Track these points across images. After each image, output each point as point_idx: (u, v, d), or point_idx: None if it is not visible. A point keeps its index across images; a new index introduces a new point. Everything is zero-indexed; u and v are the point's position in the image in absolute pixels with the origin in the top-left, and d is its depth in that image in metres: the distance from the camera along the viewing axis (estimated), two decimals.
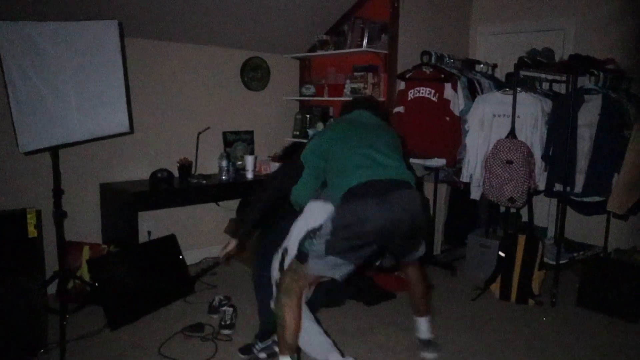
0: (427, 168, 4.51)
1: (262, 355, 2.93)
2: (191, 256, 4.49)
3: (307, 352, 2.73)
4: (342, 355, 2.65)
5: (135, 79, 4.09)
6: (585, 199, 3.89)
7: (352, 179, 2.38)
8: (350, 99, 3.27)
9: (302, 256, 2.42)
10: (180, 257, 3.97)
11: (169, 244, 3.98)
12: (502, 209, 4.44)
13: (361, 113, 2.84)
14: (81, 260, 3.61)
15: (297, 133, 5.23)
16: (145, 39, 4.18)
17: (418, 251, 2.66)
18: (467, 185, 4.32)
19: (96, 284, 3.37)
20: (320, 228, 2.42)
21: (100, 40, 2.94)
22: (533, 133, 4.01)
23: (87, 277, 3.52)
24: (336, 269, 2.37)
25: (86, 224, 4.02)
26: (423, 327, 2.92)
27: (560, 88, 4.60)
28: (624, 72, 4.16)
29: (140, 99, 4.18)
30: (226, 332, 3.24)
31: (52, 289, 3.39)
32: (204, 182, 4.26)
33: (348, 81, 4.71)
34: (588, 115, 3.81)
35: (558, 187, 3.91)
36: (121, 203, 3.90)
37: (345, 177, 2.42)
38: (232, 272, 4.45)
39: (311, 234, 2.48)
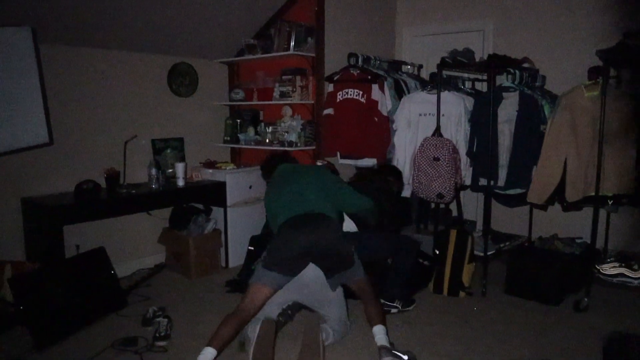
0: (358, 168, 4.58)
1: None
2: (124, 268, 4.37)
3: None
4: None
5: (55, 88, 3.93)
6: (508, 192, 4.07)
7: (281, 218, 3.13)
8: (271, 156, 3.84)
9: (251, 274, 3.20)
10: (111, 270, 3.84)
11: (98, 257, 3.83)
12: (432, 205, 4.57)
13: (283, 167, 3.52)
14: (2, 280, 3.43)
15: (228, 138, 5.19)
16: (64, 45, 4.03)
17: (350, 271, 3.07)
18: None
19: (20, 305, 3.21)
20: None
21: (12, 48, 2.83)
22: (457, 130, 4.16)
23: (9, 297, 3.35)
24: (273, 280, 2.96)
25: (7, 242, 3.83)
26: (378, 335, 2.99)
27: (482, 86, 4.79)
28: (537, 70, 4.38)
29: (61, 108, 4.02)
30: (161, 343, 3.16)
31: None
32: (133, 191, 4.15)
33: (277, 85, 4.72)
34: (507, 112, 3.99)
35: (483, 181, 4.06)
36: (45, 217, 3.73)
37: (277, 218, 3.16)
38: (166, 282, 4.36)
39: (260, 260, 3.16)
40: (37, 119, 2.91)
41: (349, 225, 3.76)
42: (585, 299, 3.69)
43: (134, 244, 4.63)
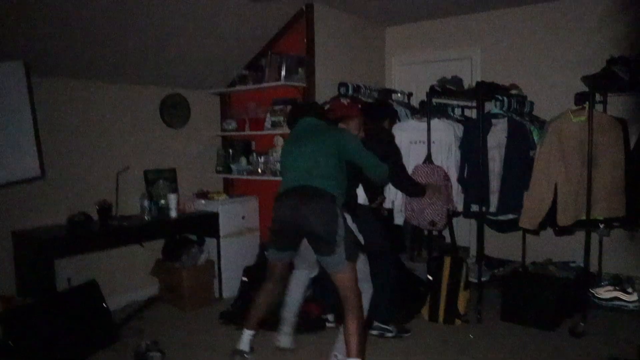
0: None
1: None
2: (116, 301, 4.32)
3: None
4: None
5: (47, 120, 3.95)
6: (500, 218, 4.08)
7: (280, 187, 3.13)
8: (294, 106, 3.73)
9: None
10: (103, 303, 3.80)
11: (90, 290, 3.79)
12: (425, 232, 4.57)
13: (303, 122, 3.26)
14: None
15: (220, 169, 5.20)
16: (55, 77, 4.05)
17: (330, 258, 2.86)
18: (391, 211, 4.42)
19: (9, 341, 3.15)
20: None
21: (3, 82, 2.83)
22: (448, 157, 4.19)
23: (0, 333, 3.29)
24: (274, 256, 3.18)
25: None
26: None
27: (472, 113, 4.85)
28: (525, 97, 4.44)
29: (52, 140, 4.02)
30: None
31: None
32: (125, 223, 4.13)
33: (268, 115, 4.75)
34: (496, 138, 4.03)
35: (474, 207, 4.08)
36: (36, 251, 3.69)
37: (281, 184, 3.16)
38: (160, 315, 4.31)
39: None
40: (28, 152, 2.90)
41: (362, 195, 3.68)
42: (582, 324, 3.68)
43: (127, 276, 4.59)
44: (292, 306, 3.50)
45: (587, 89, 3.74)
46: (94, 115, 4.35)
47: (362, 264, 3.21)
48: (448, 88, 4.25)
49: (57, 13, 3.45)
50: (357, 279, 2.94)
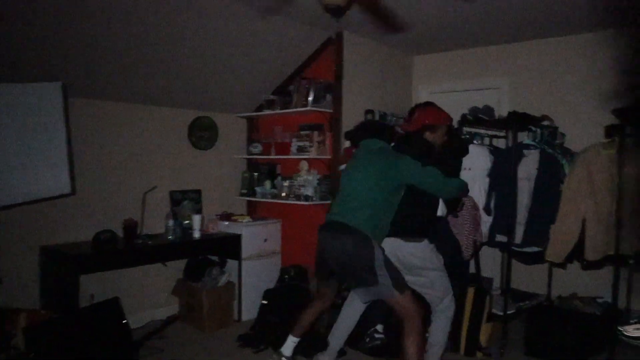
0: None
1: None
2: (137, 319, 4.36)
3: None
4: None
5: (79, 139, 4.06)
6: (524, 249, 4.02)
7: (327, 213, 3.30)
8: (361, 124, 3.68)
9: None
10: (124, 320, 3.82)
11: (112, 307, 3.82)
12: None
13: (365, 144, 3.30)
14: (17, 328, 3.42)
15: (245, 191, 5.24)
16: (90, 99, 4.17)
17: (374, 287, 2.91)
18: None
19: (32, 354, 3.19)
20: None
21: (43, 102, 2.94)
22: (480, 186, 4.14)
23: (22, 345, 3.33)
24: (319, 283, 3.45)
25: (24, 289, 3.85)
26: None
27: (500, 144, 4.81)
28: (557, 128, 4.41)
29: (84, 159, 4.12)
30: None
31: None
32: (150, 242, 4.18)
33: (294, 139, 4.79)
34: (527, 169, 3.99)
35: (500, 237, 4.02)
36: (62, 266, 3.76)
37: None
38: (179, 335, 4.32)
39: None
40: (61, 169, 2.98)
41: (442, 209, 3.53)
42: None
43: (149, 294, 4.62)
44: (340, 333, 3.51)
45: (617, 122, 3.69)
46: (125, 136, 4.45)
47: (444, 280, 3.28)
48: (480, 117, 4.24)
49: (94, 38, 3.58)
50: (413, 304, 2.99)
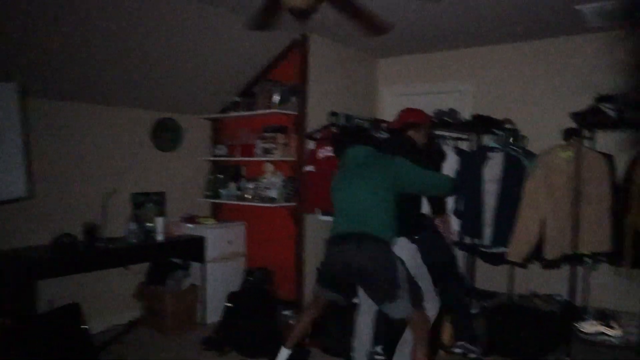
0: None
1: None
2: (98, 324, 4.27)
3: None
4: None
5: (38, 141, 3.96)
6: (493, 250, 4.09)
7: (331, 228, 3.09)
8: (343, 131, 3.61)
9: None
10: (84, 326, 3.73)
11: (71, 313, 3.73)
12: None
13: (353, 151, 3.19)
14: None
15: (209, 193, 5.19)
16: (49, 100, 4.07)
17: (392, 303, 2.81)
18: None
19: None
20: None
21: None
22: None
23: None
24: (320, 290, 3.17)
25: None
26: None
27: (463, 146, 4.87)
28: (518, 131, 4.49)
29: (43, 161, 4.02)
30: None
31: None
32: (111, 246, 4.11)
33: (259, 141, 4.77)
34: (492, 172, 4.08)
35: (467, 239, 4.09)
36: (17, 271, 3.65)
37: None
38: (141, 339, 4.25)
39: None
40: (16, 173, 2.89)
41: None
42: (566, 357, 3.67)
43: (110, 299, 4.53)
44: (362, 350, 3.44)
45: (576, 125, 3.79)
46: (86, 137, 4.37)
47: (427, 282, 3.22)
48: (444, 120, 4.30)
49: (53, 37, 3.49)
50: (426, 318, 2.96)
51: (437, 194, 3.31)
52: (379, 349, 3.76)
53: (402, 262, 2.95)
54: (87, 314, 3.83)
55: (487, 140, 4.21)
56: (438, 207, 3.54)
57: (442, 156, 3.90)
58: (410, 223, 3.25)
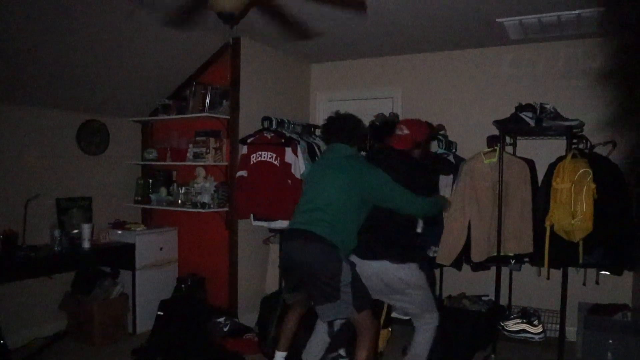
0: (271, 230, 4.58)
1: None
2: (19, 338, 4.07)
3: None
4: None
5: None
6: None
7: (292, 218, 3.14)
8: (331, 121, 3.36)
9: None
10: (1, 341, 3.55)
11: None
12: None
13: (331, 148, 3.23)
14: None
15: (139, 198, 5.05)
16: None
17: (332, 303, 2.82)
18: None
19: None
20: None
21: None
22: None
23: None
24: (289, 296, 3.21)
25: None
26: None
27: None
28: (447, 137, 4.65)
29: None
30: None
31: None
32: (33, 254, 3.92)
33: (191, 145, 4.69)
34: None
35: None
36: None
37: None
38: (66, 352, 4.08)
39: None
40: None
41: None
42: (492, 356, 3.82)
43: (32, 310, 4.32)
44: (313, 351, 3.39)
45: (497, 133, 3.96)
46: (5, 139, 4.14)
47: (427, 297, 3.23)
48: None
49: None
50: (370, 319, 2.97)
51: (415, 213, 3.17)
52: (342, 352, 3.74)
53: (353, 265, 2.96)
54: (6, 328, 3.65)
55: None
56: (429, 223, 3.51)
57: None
58: (412, 247, 3.24)
